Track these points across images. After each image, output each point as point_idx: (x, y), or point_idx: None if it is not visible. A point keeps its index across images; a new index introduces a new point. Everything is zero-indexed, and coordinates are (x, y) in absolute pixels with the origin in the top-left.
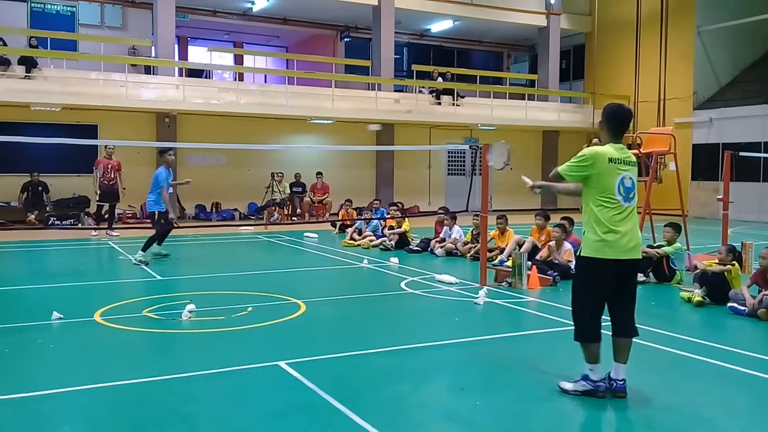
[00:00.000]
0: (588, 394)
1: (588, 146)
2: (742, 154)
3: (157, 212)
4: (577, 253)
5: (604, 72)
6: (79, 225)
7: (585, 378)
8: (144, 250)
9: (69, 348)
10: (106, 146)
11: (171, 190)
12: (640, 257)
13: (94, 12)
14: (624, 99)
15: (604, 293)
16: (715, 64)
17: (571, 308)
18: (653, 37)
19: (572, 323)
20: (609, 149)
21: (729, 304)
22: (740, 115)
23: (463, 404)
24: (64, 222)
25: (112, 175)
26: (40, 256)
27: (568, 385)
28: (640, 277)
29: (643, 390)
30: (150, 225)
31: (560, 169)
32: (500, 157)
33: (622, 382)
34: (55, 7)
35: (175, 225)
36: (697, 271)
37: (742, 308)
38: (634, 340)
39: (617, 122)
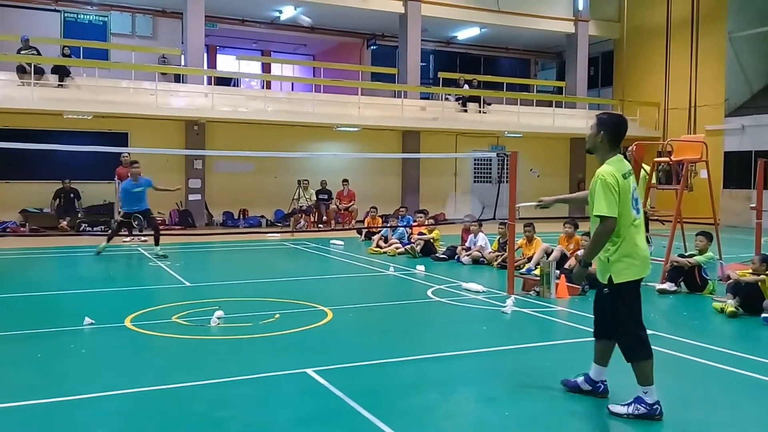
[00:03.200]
0: (644, 417)
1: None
2: None
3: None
4: (608, 280)
5: (633, 79)
6: (110, 231)
7: (639, 400)
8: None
9: (100, 353)
10: (122, 155)
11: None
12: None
13: (125, 22)
14: (654, 106)
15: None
16: (747, 70)
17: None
18: (684, 43)
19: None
20: (617, 165)
21: (763, 315)
22: None
23: (492, 414)
24: (95, 228)
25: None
26: (71, 262)
27: (620, 409)
28: (672, 286)
29: (677, 402)
30: (178, 228)
31: (607, 213)
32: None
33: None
34: (88, 17)
35: (114, 230)
36: (730, 281)
37: None
38: (667, 351)
39: (620, 134)
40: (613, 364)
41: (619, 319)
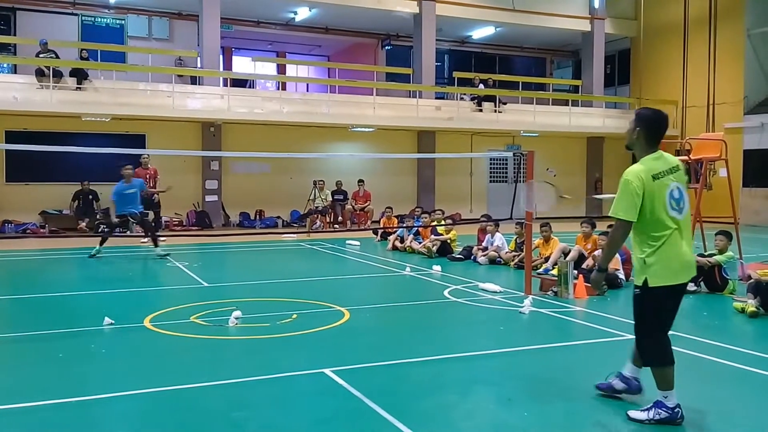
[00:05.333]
0: (665, 422)
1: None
2: None
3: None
4: (643, 282)
5: (651, 77)
6: (128, 232)
7: (659, 404)
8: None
9: (120, 353)
10: (141, 156)
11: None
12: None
13: (142, 24)
14: (672, 104)
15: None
16: (766, 67)
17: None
18: (701, 40)
19: (623, 334)
20: (650, 164)
21: None
22: None
23: (511, 415)
24: (114, 229)
25: (152, 185)
26: (90, 263)
27: (640, 415)
28: (691, 286)
29: (698, 402)
30: (195, 228)
31: (620, 216)
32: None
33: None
34: (105, 20)
35: (107, 231)
36: (751, 280)
37: None
38: (688, 351)
39: (658, 130)
40: (622, 353)
41: (646, 323)
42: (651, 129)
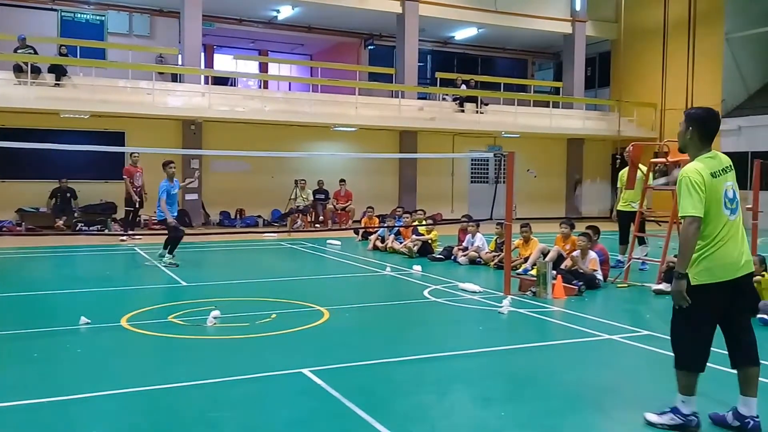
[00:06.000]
0: (678, 429)
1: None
2: None
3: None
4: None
5: (631, 79)
6: (106, 231)
7: (675, 411)
8: (167, 250)
9: (96, 353)
10: (131, 154)
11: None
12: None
13: (122, 21)
14: (651, 106)
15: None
16: (743, 71)
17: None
18: (681, 43)
19: (601, 334)
20: (707, 162)
21: (759, 315)
22: None
23: (488, 415)
24: (91, 228)
25: (140, 182)
26: (67, 262)
27: (654, 418)
28: (668, 287)
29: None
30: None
31: (690, 213)
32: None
33: (757, 420)
34: (85, 16)
35: (182, 231)
36: None
37: None
38: (663, 351)
39: (711, 128)
40: (599, 354)
41: (677, 322)
42: (703, 128)
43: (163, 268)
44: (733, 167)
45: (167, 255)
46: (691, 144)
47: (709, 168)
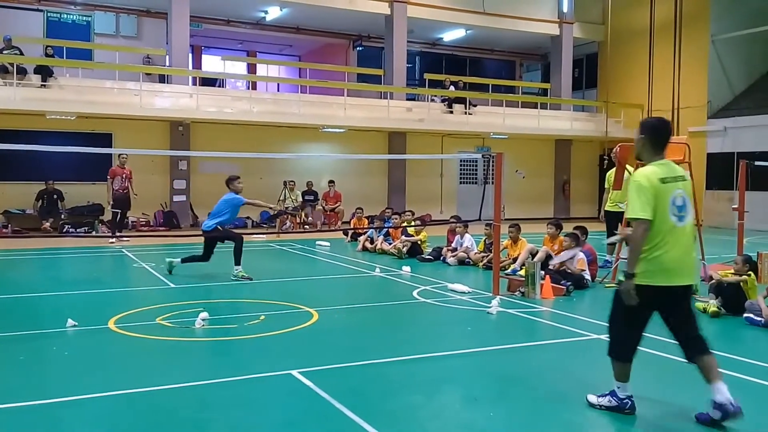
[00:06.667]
0: (614, 410)
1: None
2: (757, 163)
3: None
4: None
5: (617, 81)
6: (93, 233)
7: (612, 394)
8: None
9: (83, 355)
10: (119, 155)
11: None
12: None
13: (109, 21)
14: (637, 108)
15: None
16: (729, 73)
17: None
18: (667, 45)
19: (589, 334)
20: (657, 168)
21: (745, 315)
22: (755, 124)
23: (476, 415)
24: (78, 230)
25: (126, 184)
26: (54, 264)
27: (593, 399)
28: None
29: (659, 401)
30: (163, 229)
31: (639, 215)
32: None
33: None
34: (71, 16)
35: (239, 239)
36: (713, 281)
37: (759, 319)
38: (649, 350)
39: (661, 136)
40: (587, 353)
41: (614, 315)
42: (655, 136)
43: (151, 270)
44: (686, 179)
45: (236, 268)
46: (644, 151)
47: (659, 174)
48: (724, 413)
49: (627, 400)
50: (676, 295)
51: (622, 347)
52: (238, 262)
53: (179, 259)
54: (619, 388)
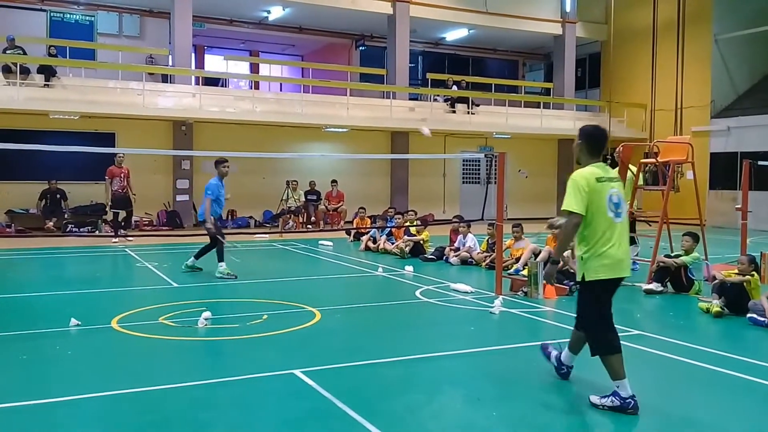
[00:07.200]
0: (617, 410)
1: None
2: (760, 163)
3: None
4: (581, 277)
5: (620, 80)
6: (97, 232)
7: (615, 394)
8: (219, 260)
9: (86, 355)
10: (116, 155)
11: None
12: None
13: (112, 21)
14: (640, 107)
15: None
16: (732, 73)
17: (582, 327)
18: (670, 45)
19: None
20: (593, 169)
21: (748, 315)
22: (758, 124)
23: (478, 415)
24: (81, 229)
25: (124, 183)
26: (58, 263)
27: (596, 400)
28: (658, 287)
29: (662, 401)
30: (166, 228)
31: (573, 209)
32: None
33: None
34: (74, 16)
35: (220, 239)
36: (716, 281)
37: (762, 319)
38: (653, 350)
39: (597, 142)
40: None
41: (587, 315)
42: (591, 142)
43: (154, 269)
44: (619, 180)
45: (220, 266)
46: (582, 155)
47: (595, 174)
48: (557, 369)
49: (630, 400)
50: (615, 287)
51: (608, 339)
52: (221, 259)
53: (192, 258)
54: (619, 387)
